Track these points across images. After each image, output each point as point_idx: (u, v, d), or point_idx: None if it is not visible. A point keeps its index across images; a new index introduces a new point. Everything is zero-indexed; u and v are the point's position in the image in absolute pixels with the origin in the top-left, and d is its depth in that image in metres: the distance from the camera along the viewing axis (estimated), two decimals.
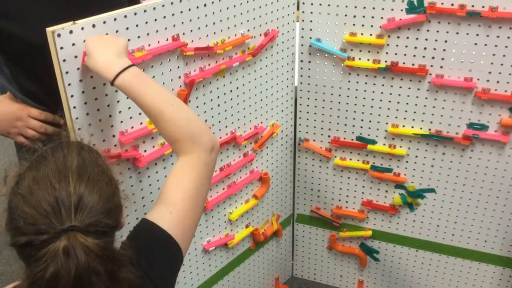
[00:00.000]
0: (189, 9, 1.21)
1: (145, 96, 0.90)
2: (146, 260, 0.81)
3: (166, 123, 0.90)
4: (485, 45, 1.43)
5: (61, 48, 0.97)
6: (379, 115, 1.61)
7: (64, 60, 0.98)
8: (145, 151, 1.23)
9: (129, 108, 1.15)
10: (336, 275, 1.96)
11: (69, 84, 1.01)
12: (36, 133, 1.21)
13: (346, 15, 1.50)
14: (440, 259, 1.78)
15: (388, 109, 1.59)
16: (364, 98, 1.60)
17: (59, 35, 0.96)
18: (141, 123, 1.19)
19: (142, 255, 0.81)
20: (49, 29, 0.95)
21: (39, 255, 0.64)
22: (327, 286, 1.99)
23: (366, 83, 1.58)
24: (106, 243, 0.67)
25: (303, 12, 1.56)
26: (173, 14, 1.17)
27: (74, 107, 1.03)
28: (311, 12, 1.54)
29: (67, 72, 1.00)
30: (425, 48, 1.48)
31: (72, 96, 1.02)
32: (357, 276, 1.93)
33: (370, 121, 1.63)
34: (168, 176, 0.92)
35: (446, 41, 1.45)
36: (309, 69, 1.63)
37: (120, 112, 1.13)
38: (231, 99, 1.45)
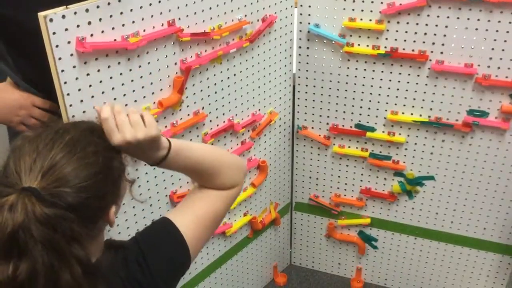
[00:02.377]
0: None
1: (192, 167, 0.89)
2: (154, 256, 0.81)
3: (213, 180, 0.91)
4: (486, 30, 1.40)
5: (54, 33, 0.95)
6: (378, 102, 1.59)
7: (57, 46, 0.96)
8: None
9: (124, 95, 1.13)
10: (335, 263, 1.96)
11: (62, 71, 0.99)
12: (38, 122, 1.19)
13: (345, 0, 1.48)
14: (438, 247, 1.77)
15: (388, 96, 1.57)
16: (363, 85, 1.58)
17: (51, 20, 0.93)
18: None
19: (152, 251, 0.81)
20: (41, 14, 0.93)
21: None
22: (325, 274, 1.99)
23: (365, 69, 1.56)
24: (59, 215, 0.66)
25: None
26: None
27: (68, 94, 1.01)
28: None
29: (60, 58, 0.97)
30: (425, 34, 1.45)
31: (65, 82, 1.00)
32: (355, 264, 1.93)
33: (369, 108, 1.61)
34: (199, 189, 0.92)
35: (446, 26, 1.43)
36: (308, 55, 1.60)
37: (115, 99, 1.11)
38: (228, 86, 1.43)
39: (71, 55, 0.99)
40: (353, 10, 1.48)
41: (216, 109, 1.41)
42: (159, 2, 1.12)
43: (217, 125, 1.43)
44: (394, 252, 1.84)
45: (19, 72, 1.18)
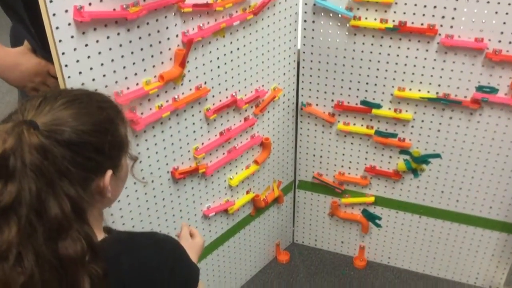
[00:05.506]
0: None
1: None
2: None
3: None
4: (498, 3, 1.35)
5: (51, 1, 0.91)
6: (385, 78, 1.55)
7: (54, 15, 0.93)
8: (142, 113, 1.18)
9: (124, 67, 1.09)
10: (337, 241, 1.95)
11: (60, 41, 0.95)
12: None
13: None
14: (443, 225, 1.75)
15: (395, 71, 1.53)
16: (370, 60, 1.54)
17: None
18: (137, 84, 1.13)
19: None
20: None
21: None
22: (328, 252, 1.98)
23: (372, 44, 1.51)
24: (55, 148, 0.66)
25: None
26: None
27: (66, 65, 0.98)
28: None
29: (57, 28, 0.94)
30: (435, 7, 1.40)
31: (63, 53, 0.97)
32: (358, 242, 1.91)
33: (375, 85, 1.58)
34: None
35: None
36: (313, 29, 1.56)
37: (114, 72, 1.07)
38: (232, 60, 1.39)
39: (69, 24, 0.95)
40: None
41: (219, 84, 1.38)
42: None
43: (220, 100, 1.40)
44: (398, 230, 1.83)
45: (39, 39, 1.16)
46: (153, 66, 1.16)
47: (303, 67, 1.64)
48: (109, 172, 0.74)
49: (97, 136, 0.71)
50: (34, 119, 0.67)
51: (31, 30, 1.16)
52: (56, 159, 0.66)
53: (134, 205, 1.26)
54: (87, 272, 0.68)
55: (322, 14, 1.52)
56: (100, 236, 0.77)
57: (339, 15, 1.50)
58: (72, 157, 0.67)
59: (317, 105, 1.69)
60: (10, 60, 1.18)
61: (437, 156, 1.63)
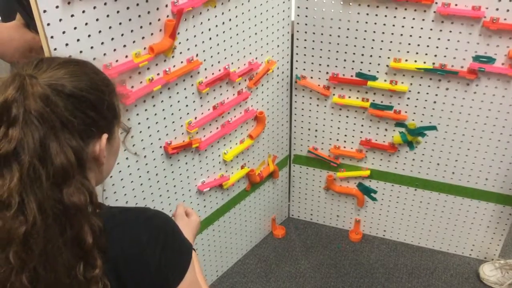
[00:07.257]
0: None
1: None
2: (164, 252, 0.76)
3: None
4: None
5: None
6: (381, 49, 1.52)
7: None
8: (132, 87, 1.15)
9: (112, 39, 1.06)
10: (333, 215, 1.95)
11: (44, 11, 0.92)
12: None
13: None
14: (439, 198, 1.75)
15: (391, 42, 1.50)
16: (365, 31, 1.51)
17: None
18: (126, 56, 1.10)
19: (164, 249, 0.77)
20: None
21: None
22: (323, 226, 1.98)
23: (367, 14, 1.48)
24: (57, 98, 0.66)
25: None
26: None
27: (52, 37, 0.95)
28: None
29: None
30: None
31: (48, 24, 0.93)
32: (354, 216, 1.91)
33: (371, 56, 1.55)
34: None
35: None
36: (307, 0, 1.52)
37: (102, 43, 1.04)
38: (224, 32, 1.35)
39: None
40: None
41: (211, 56, 1.34)
42: None
43: (212, 73, 1.37)
44: (394, 203, 1.83)
45: (33, 14, 1.13)
46: (143, 38, 1.12)
47: (297, 39, 1.61)
48: (105, 136, 0.73)
49: (95, 94, 0.70)
50: (35, 75, 0.67)
51: (24, 3, 1.12)
52: (59, 108, 0.66)
53: (127, 181, 1.24)
54: (89, 223, 0.67)
55: None
56: None
57: None
58: (72, 110, 0.67)
59: (311, 77, 1.66)
60: (4, 35, 1.14)
61: (433, 128, 1.61)
